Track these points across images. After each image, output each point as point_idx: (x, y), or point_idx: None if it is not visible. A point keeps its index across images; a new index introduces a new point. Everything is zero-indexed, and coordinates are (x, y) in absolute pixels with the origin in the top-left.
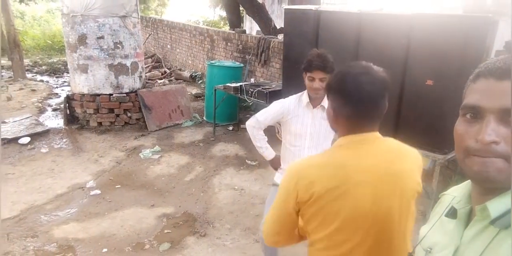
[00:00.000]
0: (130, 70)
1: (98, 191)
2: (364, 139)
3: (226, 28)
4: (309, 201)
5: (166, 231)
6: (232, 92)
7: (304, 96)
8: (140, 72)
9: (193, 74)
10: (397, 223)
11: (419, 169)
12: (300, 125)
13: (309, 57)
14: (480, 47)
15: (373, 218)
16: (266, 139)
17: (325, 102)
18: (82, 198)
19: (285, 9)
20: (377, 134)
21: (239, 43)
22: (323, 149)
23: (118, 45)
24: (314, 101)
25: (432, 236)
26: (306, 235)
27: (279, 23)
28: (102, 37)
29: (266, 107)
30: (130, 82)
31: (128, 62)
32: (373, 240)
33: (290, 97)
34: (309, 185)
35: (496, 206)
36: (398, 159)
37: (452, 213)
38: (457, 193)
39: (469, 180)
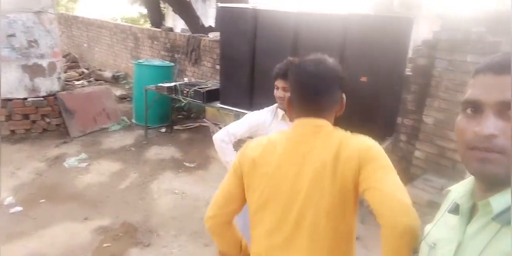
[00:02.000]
0: (47, 71)
1: (19, 208)
2: (302, 124)
3: (147, 26)
4: (244, 172)
5: (105, 245)
6: (165, 93)
7: (279, 109)
8: (59, 73)
9: (116, 74)
10: (322, 204)
11: (358, 159)
12: None
13: (277, 65)
14: (405, 45)
15: (292, 196)
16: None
17: None
18: (1, 217)
19: (219, 7)
20: (320, 121)
21: (166, 42)
22: None
23: (32, 44)
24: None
25: (436, 232)
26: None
27: (204, 21)
28: (13, 35)
29: (203, 106)
30: (47, 85)
31: (44, 62)
32: (293, 217)
33: (263, 111)
34: (245, 155)
35: (499, 202)
36: (333, 147)
37: (455, 209)
38: (460, 189)
39: (472, 176)
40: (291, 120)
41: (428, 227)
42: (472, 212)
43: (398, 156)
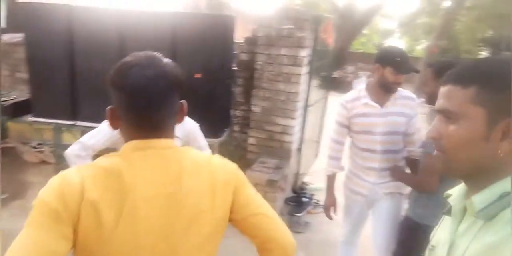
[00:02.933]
0: None
1: None
2: (148, 147)
3: None
4: (81, 218)
5: None
6: None
7: None
8: None
9: None
10: (184, 245)
11: (233, 183)
12: None
13: None
14: (230, 41)
15: (156, 238)
16: None
17: None
18: None
19: (20, 3)
20: (167, 142)
21: None
22: None
23: None
24: None
25: (437, 235)
26: None
27: None
28: None
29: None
30: None
31: None
32: None
33: None
34: (81, 190)
35: (480, 199)
36: (187, 174)
37: (448, 211)
38: (456, 192)
39: None
40: (125, 140)
41: (433, 232)
42: (463, 212)
43: (234, 145)
